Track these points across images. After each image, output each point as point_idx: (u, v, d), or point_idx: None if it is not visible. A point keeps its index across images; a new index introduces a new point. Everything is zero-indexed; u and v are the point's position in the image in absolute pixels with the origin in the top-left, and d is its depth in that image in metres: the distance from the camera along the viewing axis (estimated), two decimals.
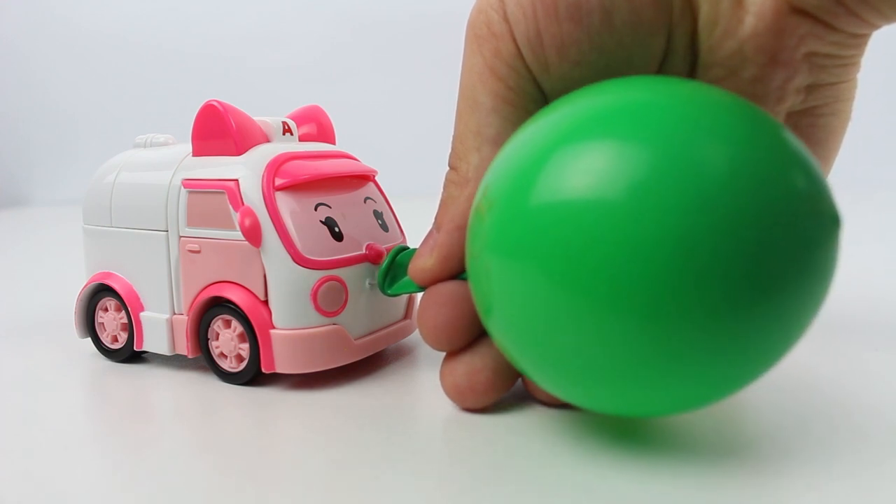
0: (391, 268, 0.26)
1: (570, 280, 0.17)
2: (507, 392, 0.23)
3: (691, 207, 0.16)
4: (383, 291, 0.26)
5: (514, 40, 0.21)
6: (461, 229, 0.22)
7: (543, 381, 0.20)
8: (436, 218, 0.23)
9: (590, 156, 0.17)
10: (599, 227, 0.16)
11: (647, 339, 0.17)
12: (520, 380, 0.24)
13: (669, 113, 0.17)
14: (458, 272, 0.23)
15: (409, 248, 0.26)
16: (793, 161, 0.17)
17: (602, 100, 0.19)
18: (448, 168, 0.23)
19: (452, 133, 0.23)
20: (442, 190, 0.23)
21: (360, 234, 0.27)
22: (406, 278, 0.25)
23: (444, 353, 0.23)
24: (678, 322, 0.16)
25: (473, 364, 0.22)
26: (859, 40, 0.19)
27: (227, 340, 0.26)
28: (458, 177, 0.22)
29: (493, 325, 0.20)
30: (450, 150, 0.23)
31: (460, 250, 0.22)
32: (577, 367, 0.18)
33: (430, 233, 0.23)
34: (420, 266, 0.23)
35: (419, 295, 0.30)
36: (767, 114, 0.18)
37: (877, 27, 0.18)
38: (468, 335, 0.22)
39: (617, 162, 0.17)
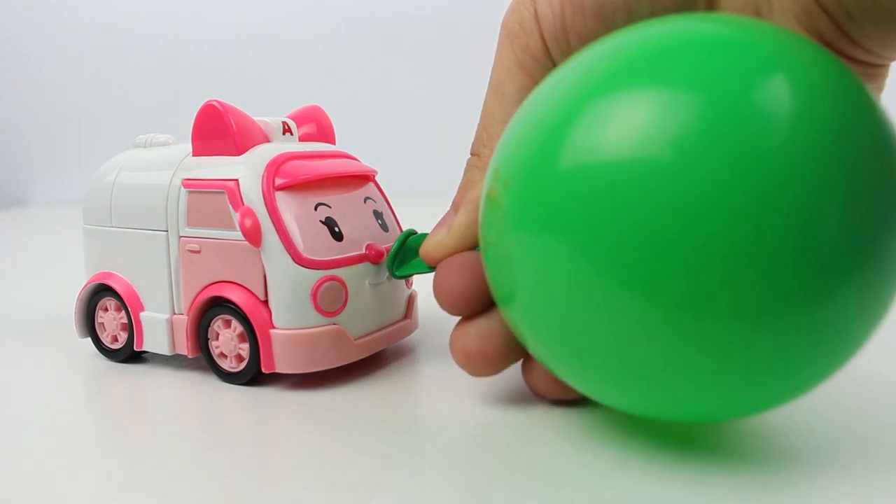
0: (400, 251, 0.26)
1: (606, 255, 0.14)
2: (517, 361, 0.22)
3: (756, 164, 0.13)
4: (391, 273, 0.26)
5: (542, 36, 0.22)
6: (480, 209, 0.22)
7: (571, 377, 0.18)
8: (453, 201, 0.24)
9: (627, 107, 0.14)
10: (641, 192, 0.14)
11: (703, 330, 0.14)
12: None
13: (723, 47, 0.14)
14: (473, 248, 0.23)
15: (418, 232, 0.26)
16: (873, 112, 0.14)
17: (638, 40, 0.16)
18: (470, 155, 0.24)
19: (477, 123, 0.24)
20: (462, 175, 0.24)
21: (360, 234, 0.27)
22: (416, 259, 0.25)
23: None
24: (743, 309, 0.13)
25: (487, 329, 0.22)
26: (875, 71, 0.19)
27: (227, 340, 0.26)
28: (481, 162, 0.23)
29: (515, 312, 0.18)
30: (473, 138, 0.24)
31: (477, 228, 0.22)
32: (610, 362, 0.16)
33: (447, 214, 0.24)
34: (435, 241, 0.24)
35: (419, 295, 0.30)
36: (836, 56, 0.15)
37: (890, 59, 0.18)
38: (484, 300, 0.22)
39: (661, 112, 0.14)
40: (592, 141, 0.15)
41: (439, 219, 0.24)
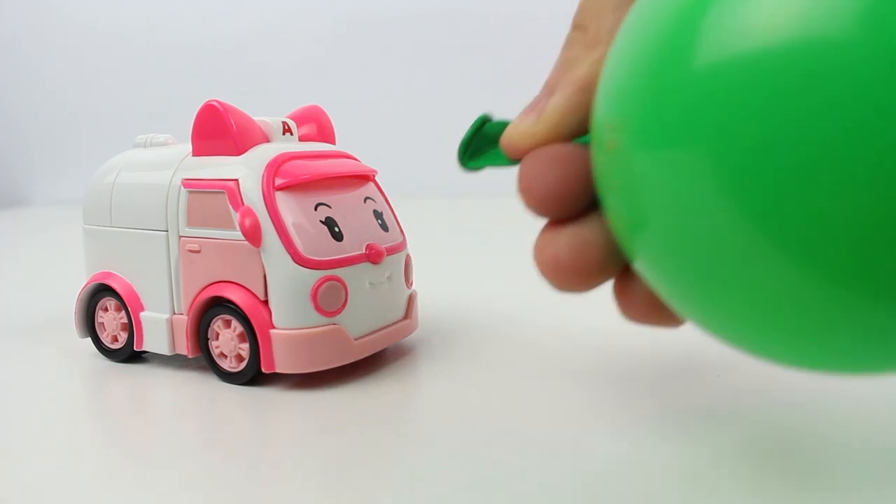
0: (474, 138, 0.22)
1: (740, 176, 0.11)
2: (610, 279, 0.19)
3: None
4: (462, 164, 0.22)
5: None
6: (584, 91, 0.18)
7: (705, 320, 0.14)
8: (547, 82, 0.20)
9: None
10: (808, 88, 0.10)
11: (860, 307, 0.11)
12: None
13: None
14: (570, 140, 0.19)
15: (494, 119, 0.22)
16: None
17: None
18: (571, 29, 0.20)
19: None
20: (560, 52, 0.20)
21: (360, 234, 0.27)
22: (494, 150, 0.21)
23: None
24: None
25: (581, 236, 0.18)
26: None
27: (227, 340, 0.26)
28: (587, 37, 0.19)
29: (643, 244, 0.15)
30: (576, 11, 0.20)
31: (578, 116, 0.19)
32: (738, 307, 0.13)
33: (538, 97, 0.20)
34: (523, 129, 0.19)
35: (419, 296, 0.30)
36: None
37: None
38: (580, 202, 0.18)
39: None
40: (735, 22, 0.11)
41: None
